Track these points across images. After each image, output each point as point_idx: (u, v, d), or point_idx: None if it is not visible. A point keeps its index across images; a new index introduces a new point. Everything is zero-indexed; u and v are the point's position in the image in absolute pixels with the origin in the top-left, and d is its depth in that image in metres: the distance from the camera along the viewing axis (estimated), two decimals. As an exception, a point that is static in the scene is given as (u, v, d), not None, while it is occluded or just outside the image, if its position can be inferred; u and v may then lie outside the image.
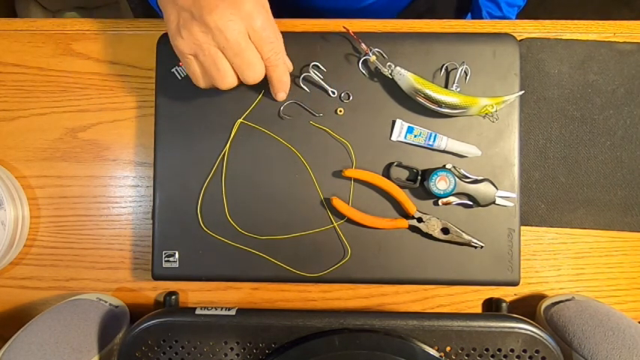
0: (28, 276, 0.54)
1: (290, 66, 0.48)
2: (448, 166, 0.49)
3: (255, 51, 0.42)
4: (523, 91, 0.50)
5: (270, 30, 0.42)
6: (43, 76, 0.54)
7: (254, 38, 0.41)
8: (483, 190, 0.49)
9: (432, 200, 0.50)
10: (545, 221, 0.53)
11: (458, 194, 0.49)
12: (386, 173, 0.50)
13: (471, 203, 0.50)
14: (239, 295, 0.54)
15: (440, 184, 0.48)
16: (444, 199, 0.49)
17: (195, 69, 0.43)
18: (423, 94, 0.48)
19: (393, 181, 0.50)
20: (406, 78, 0.48)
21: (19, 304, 0.54)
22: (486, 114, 0.49)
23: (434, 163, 0.50)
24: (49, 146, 0.54)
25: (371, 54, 0.49)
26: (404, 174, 0.50)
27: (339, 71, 0.51)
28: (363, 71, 0.51)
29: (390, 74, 0.49)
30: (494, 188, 0.49)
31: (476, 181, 0.49)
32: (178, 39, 0.41)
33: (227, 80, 0.43)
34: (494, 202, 0.49)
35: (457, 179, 0.49)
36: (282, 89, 0.47)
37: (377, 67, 0.49)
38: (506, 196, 0.49)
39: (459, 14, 0.79)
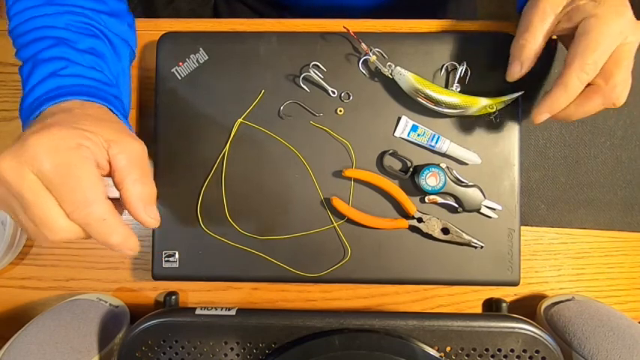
0: (28, 276, 0.54)
1: (149, 220, 0.38)
2: (442, 165, 0.49)
3: (49, 204, 0.33)
4: (523, 91, 0.49)
5: (67, 177, 0.33)
6: (43, 76, 0.54)
7: (48, 187, 0.33)
8: (471, 195, 0.49)
9: (420, 196, 0.50)
10: (545, 221, 0.53)
11: (446, 194, 0.49)
12: (379, 161, 0.50)
13: (456, 206, 0.50)
14: (239, 295, 0.54)
15: (430, 180, 0.48)
16: (431, 197, 0.49)
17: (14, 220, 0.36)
18: (424, 94, 0.48)
19: (385, 169, 0.50)
20: (406, 78, 0.48)
21: (19, 304, 0.54)
22: (486, 114, 0.49)
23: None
24: (49, 146, 0.54)
25: (371, 54, 0.49)
26: (397, 164, 0.50)
27: (339, 71, 0.51)
28: (363, 71, 0.50)
29: (390, 74, 0.49)
30: (482, 196, 0.49)
31: (466, 185, 0.49)
32: None
33: (36, 236, 0.35)
34: (478, 210, 0.49)
35: (447, 179, 0.49)
36: (118, 249, 0.36)
37: (377, 67, 0.49)
38: (492, 206, 0.49)
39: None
